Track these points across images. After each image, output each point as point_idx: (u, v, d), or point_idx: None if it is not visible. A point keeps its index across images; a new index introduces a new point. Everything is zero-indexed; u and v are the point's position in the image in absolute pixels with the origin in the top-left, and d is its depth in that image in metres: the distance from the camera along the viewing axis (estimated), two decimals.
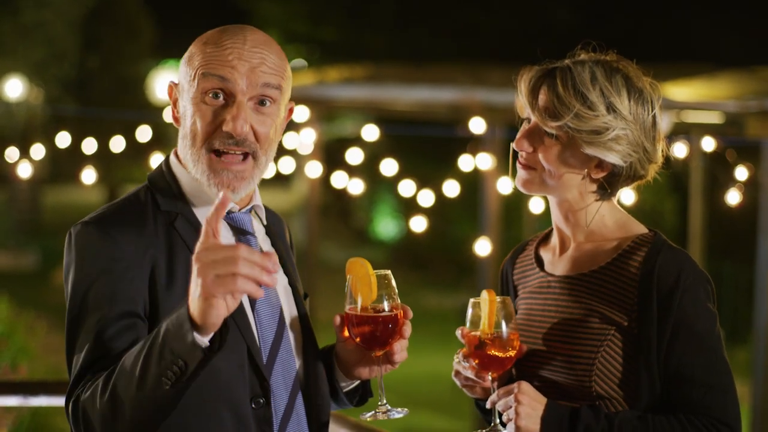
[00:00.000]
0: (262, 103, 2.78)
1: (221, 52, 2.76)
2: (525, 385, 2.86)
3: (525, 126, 3.00)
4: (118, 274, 2.66)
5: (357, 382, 3.03)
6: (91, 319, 2.64)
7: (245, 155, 2.76)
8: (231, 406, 2.69)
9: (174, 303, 2.67)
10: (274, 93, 2.79)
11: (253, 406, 2.72)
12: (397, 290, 2.86)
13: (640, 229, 3.00)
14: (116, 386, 2.48)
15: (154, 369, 2.43)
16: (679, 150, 7.72)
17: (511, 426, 2.84)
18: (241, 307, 2.74)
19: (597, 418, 2.82)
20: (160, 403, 2.47)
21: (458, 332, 2.95)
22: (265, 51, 2.79)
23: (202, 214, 2.81)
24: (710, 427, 2.82)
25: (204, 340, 2.41)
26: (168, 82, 2.89)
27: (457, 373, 3.01)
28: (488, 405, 2.92)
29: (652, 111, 2.95)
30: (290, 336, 2.86)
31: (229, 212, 2.84)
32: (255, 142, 2.77)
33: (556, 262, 3.07)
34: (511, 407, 2.84)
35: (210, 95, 2.75)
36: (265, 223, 2.97)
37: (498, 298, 2.90)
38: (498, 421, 2.91)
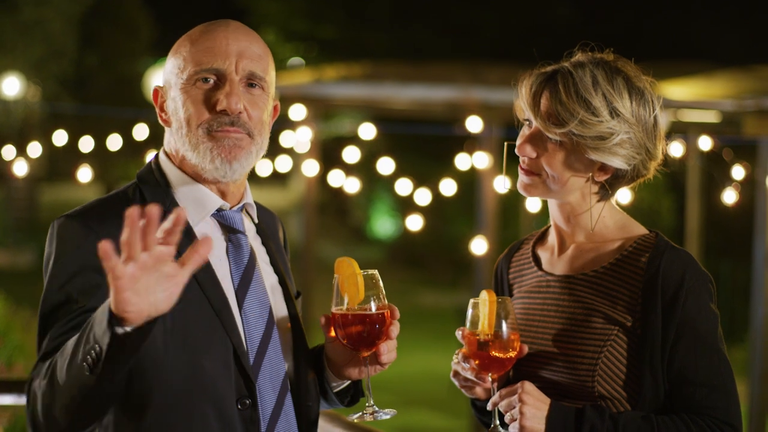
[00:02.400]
0: (251, 85, 2.81)
1: (208, 38, 2.80)
2: (529, 385, 2.85)
3: (526, 130, 2.98)
4: (98, 269, 2.62)
5: (347, 383, 3.02)
6: (64, 311, 2.63)
7: (240, 132, 2.78)
8: (216, 407, 2.67)
9: None
10: (261, 76, 2.82)
11: (239, 406, 2.71)
12: (384, 290, 2.84)
13: (641, 229, 3.00)
14: (54, 369, 2.46)
15: (80, 354, 2.39)
16: (676, 149, 7.71)
17: (514, 426, 2.83)
18: (227, 305, 2.74)
19: (602, 418, 2.81)
20: (85, 392, 2.41)
21: (458, 333, 2.94)
22: (250, 36, 2.84)
23: (191, 212, 2.80)
24: (713, 427, 2.82)
25: (125, 328, 2.32)
26: (153, 87, 2.90)
27: (456, 373, 3.00)
28: (489, 406, 2.91)
29: (654, 111, 2.95)
30: (279, 336, 2.84)
31: (220, 210, 2.84)
32: (249, 121, 2.79)
33: (555, 261, 3.06)
34: (514, 407, 2.83)
35: (201, 80, 2.77)
36: (256, 221, 2.96)
37: (498, 299, 2.89)
38: (498, 422, 2.90)
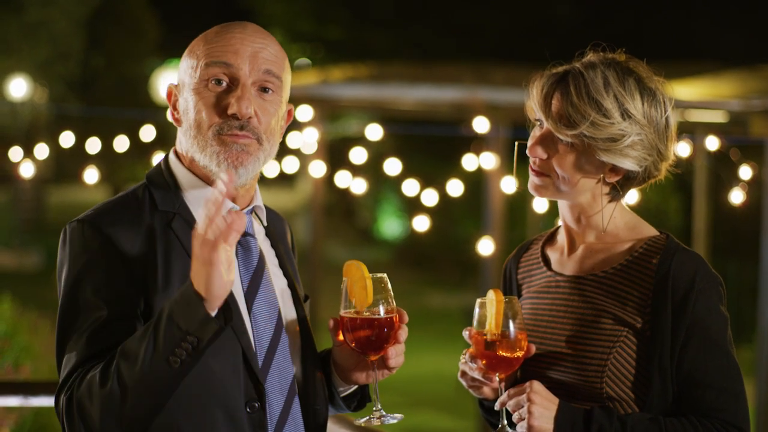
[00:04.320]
0: (264, 90, 2.78)
1: (223, 39, 2.77)
2: (537, 385, 2.84)
3: (537, 131, 2.97)
4: (112, 273, 2.65)
5: (354, 387, 3.00)
6: (84, 319, 2.63)
7: (249, 137, 2.76)
8: (225, 410, 2.67)
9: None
10: (275, 81, 2.79)
11: (248, 410, 2.70)
12: (393, 294, 2.82)
13: (651, 231, 2.99)
14: (120, 372, 2.50)
15: (162, 350, 2.47)
16: (683, 149, 7.70)
17: (522, 426, 2.82)
18: (236, 307, 2.72)
19: (610, 419, 2.80)
20: (168, 383, 2.51)
21: (465, 333, 2.93)
22: (266, 39, 2.81)
23: (200, 213, 2.79)
24: (722, 430, 2.81)
25: (213, 313, 2.49)
26: (167, 85, 2.89)
27: (464, 373, 2.98)
28: (497, 406, 2.90)
29: (666, 113, 2.94)
30: (288, 339, 2.83)
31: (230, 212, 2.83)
32: (258, 126, 2.76)
33: (564, 261, 3.05)
34: (523, 407, 2.82)
35: (213, 82, 2.75)
36: (265, 224, 2.95)
37: (505, 298, 2.88)
38: (505, 422, 2.89)
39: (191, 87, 2.78)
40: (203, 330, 2.47)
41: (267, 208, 3.00)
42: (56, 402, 2.63)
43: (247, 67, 2.75)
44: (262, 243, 2.90)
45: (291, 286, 2.94)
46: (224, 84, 2.76)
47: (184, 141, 2.82)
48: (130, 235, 2.69)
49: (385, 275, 2.83)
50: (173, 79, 2.91)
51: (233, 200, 2.83)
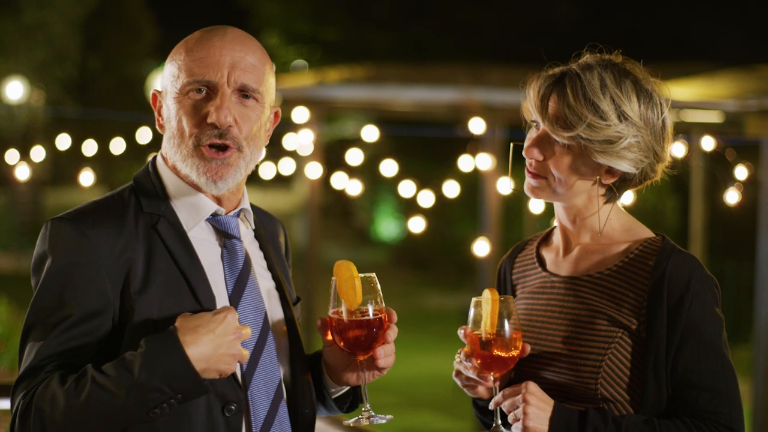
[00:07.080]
0: (245, 96, 2.77)
1: (203, 47, 2.76)
2: (533, 386, 2.84)
3: (533, 133, 2.97)
4: (89, 274, 2.64)
5: (346, 388, 2.99)
6: (55, 316, 2.63)
7: (228, 148, 2.75)
8: (202, 413, 2.65)
9: (147, 307, 2.66)
10: (256, 87, 2.78)
11: (225, 414, 2.68)
12: (382, 294, 2.82)
13: (647, 232, 2.99)
14: (90, 400, 2.51)
15: (147, 398, 2.52)
16: (679, 150, 7.70)
17: (517, 426, 2.82)
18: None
19: (605, 420, 2.81)
20: (139, 422, 2.57)
21: (460, 332, 2.93)
22: (246, 45, 2.80)
23: (186, 217, 2.79)
24: None
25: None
26: (152, 91, 2.89)
27: (459, 373, 2.99)
28: (492, 406, 2.90)
29: (662, 114, 2.94)
30: (275, 341, 2.82)
31: (215, 215, 2.82)
32: (239, 134, 2.75)
33: (560, 262, 3.05)
34: (518, 407, 2.82)
35: (193, 90, 2.75)
36: (253, 227, 2.95)
37: (500, 297, 2.88)
38: (500, 422, 2.90)
39: (173, 96, 2.78)
40: (195, 392, 2.58)
41: (259, 210, 2.99)
42: (12, 393, 2.63)
43: (226, 74, 2.74)
44: (249, 245, 2.90)
45: (279, 287, 2.92)
46: (204, 92, 2.75)
47: (168, 147, 2.82)
48: (112, 235, 2.69)
49: (373, 275, 2.82)
50: (159, 85, 2.91)
51: (220, 203, 2.83)
